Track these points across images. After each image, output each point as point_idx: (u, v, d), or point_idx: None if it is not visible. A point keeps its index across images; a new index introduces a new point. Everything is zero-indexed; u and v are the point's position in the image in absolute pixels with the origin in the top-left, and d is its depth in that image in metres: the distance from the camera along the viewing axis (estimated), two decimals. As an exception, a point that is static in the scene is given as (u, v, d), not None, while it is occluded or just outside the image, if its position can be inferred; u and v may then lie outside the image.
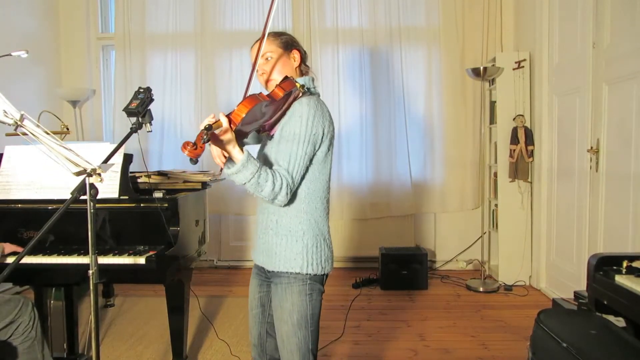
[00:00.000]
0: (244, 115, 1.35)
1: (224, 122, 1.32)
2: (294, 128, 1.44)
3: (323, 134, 1.47)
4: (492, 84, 4.22)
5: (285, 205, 1.47)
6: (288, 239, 1.51)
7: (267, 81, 1.59)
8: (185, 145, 1.24)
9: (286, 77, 1.50)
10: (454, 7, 4.34)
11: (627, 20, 2.71)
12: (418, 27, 4.43)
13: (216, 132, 1.30)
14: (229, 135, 1.33)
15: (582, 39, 3.20)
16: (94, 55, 4.76)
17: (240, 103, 1.38)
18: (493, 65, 3.97)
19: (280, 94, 1.44)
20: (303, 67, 1.65)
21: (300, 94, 1.50)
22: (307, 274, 1.50)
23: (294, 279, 1.51)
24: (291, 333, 1.52)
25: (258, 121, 1.46)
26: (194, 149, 1.23)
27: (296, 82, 1.48)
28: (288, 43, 1.61)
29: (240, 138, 1.50)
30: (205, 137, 1.25)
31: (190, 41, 4.51)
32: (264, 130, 1.56)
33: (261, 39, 1.53)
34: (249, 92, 1.51)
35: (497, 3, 4.35)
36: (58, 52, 4.65)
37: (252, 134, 1.67)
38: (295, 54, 1.61)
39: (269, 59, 1.58)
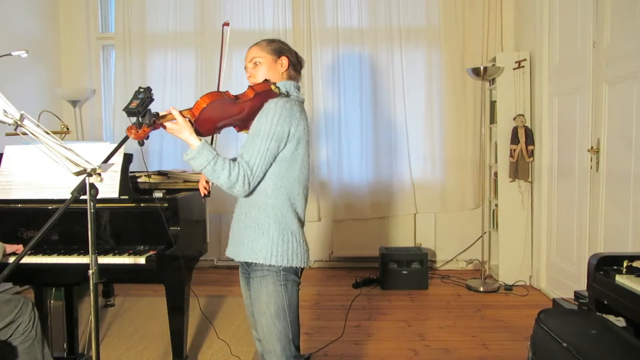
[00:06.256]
0: (204, 106, 1.45)
1: (175, 113, 1.42)
2: (260, 124, 1.54)
3: (289, 132, 1.55)
4: (493, 84, 4.22)
5: (246, 196, 1.57)
6: (255, 231, 1.58)
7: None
8: (129, 128, 1.35)
9: (265, 80, 1.62)
10: (454, 7, 4.33)
11: (627, 20, 2.71)
12: (418, 27, 4.42)
13: (167, 123, 1.42)
14: (182, 124, 1.43)
15: (582, 38, 3.19)
16: (94, 55, 4.76)
17: (201, 97, 1.48)
18: (493, 65, 3.96)
19: (251, 94, 1.55)
20: (292, 73, 1.73)
21: (276, 96, 1.60)
22: (270, 265, 1.55)
23: (267, 270, 1.57)
24: (270, 324, 1.57)
25: (225, 119, 1.56)
26: (137, 132, 1.35)
27: (274, 84, 1.60)
28: (279, 50, 1.71)
29: (209, 132, 1.60)
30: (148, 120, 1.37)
31: (190, 41, 4.51)
32: (240, 129, 1.67)
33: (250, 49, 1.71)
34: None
35: (497, 3, 4.35)
36: (58, 52, 4.65)
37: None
38: (284, 60, 1.70)
39: (257, 63, 1.69)
